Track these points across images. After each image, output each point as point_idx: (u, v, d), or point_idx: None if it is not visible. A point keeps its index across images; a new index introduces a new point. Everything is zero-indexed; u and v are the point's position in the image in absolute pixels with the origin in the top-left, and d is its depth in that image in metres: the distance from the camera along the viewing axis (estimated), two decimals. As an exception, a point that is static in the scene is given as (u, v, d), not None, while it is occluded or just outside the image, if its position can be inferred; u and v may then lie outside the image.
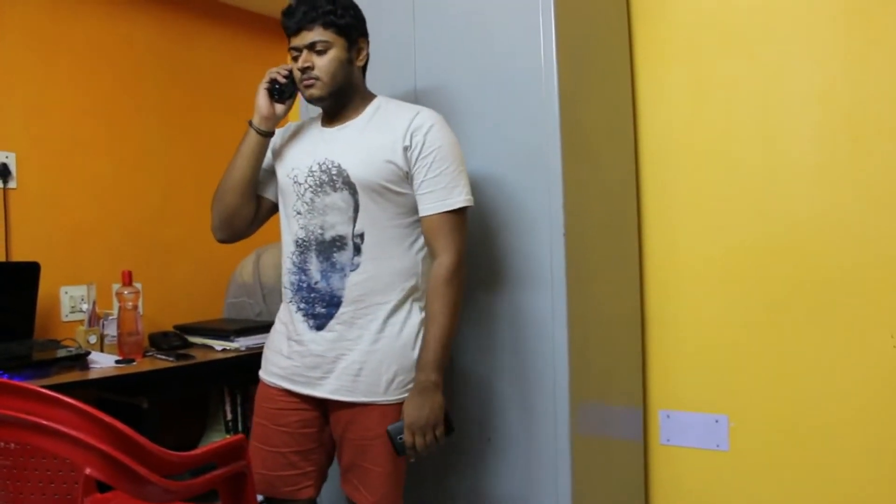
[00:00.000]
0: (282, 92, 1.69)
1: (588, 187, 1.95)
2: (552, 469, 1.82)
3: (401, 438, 1.56)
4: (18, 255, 2.36)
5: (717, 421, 2.17)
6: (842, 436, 1.99)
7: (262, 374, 1.76)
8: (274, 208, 1.78)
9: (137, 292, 2.41)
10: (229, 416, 2.64)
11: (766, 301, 2.10)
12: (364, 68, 1.70)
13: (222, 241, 1.79)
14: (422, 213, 1.62)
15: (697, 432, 2.19)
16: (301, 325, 1.65)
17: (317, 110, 1.77)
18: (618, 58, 2.21)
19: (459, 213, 1.62)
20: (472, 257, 1.92)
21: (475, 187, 1.86)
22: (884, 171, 1.95)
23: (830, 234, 2.01)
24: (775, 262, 2.08)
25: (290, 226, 1.68)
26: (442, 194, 1.60)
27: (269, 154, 1.75)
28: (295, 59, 1.63)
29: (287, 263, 1.69)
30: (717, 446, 2.17)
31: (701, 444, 2.19)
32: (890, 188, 1.94)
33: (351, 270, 1.61)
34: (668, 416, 2.24)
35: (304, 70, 1.61)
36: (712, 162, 2.17)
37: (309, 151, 1.68)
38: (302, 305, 1.65)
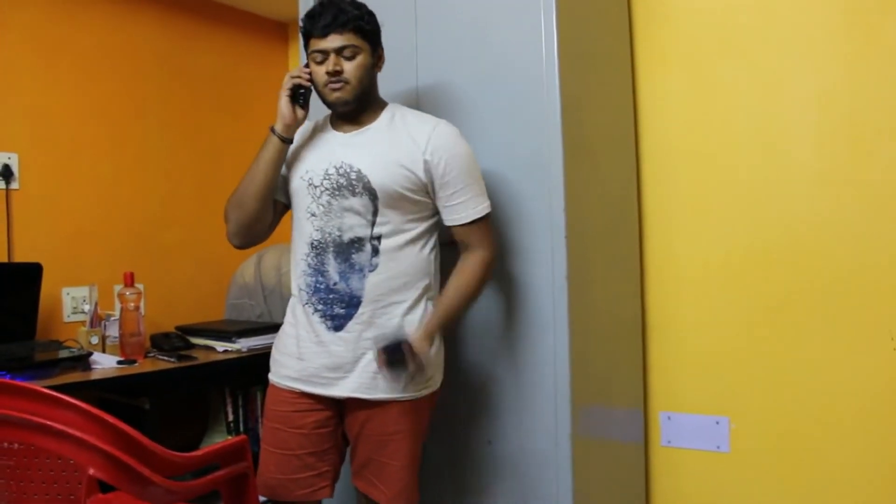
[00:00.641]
0: (305, 96, 1.69)
1: (589, 191, 1.95)
2: (553, 471, 1.83)
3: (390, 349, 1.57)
4: (20, 256, 2.36)
5: (717, 422, 2.17)
6: (842, 437, 2.00)
7: (272, 377, 1.76)
8: (286, 210, 1.79)
9: (139, 293, 2.42)
10: (231, 418, 2.64)
11: (767, 303, 2.10)
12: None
13: (240, 248, 1.79)
14: (454, 223, 1.68)
15: (698, 434, 2.19)
16: (318, 326, 1.66)
17: (319, 114, 1.78)
18: (619, 62, 2.21)
19: (486, 217, 1.70)
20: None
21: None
22: (883, 174, 1.95)
23: (830, 238, 2.01)
24: (776, 265, 2.08)
25: (304, 228, 1.69)
26: (472, 203, 1.67)
27: None
28: (319, 62, 1.63)
29: (301, 265, 1.69)
30: (718, 448, 2.17)
31: (702, 445, 2.19)
32: (889, 191, 1.94)
33: (370, 271, 1.63)
34: (669, 418, 2.25)
35: (333, 73, 1.61)
36: (713, 166, 2.18)
37: (324, 155, 1.68)
38: (319, 307, 1.66)
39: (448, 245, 1.91)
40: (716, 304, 2.18)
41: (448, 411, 1.95)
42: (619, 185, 2.18)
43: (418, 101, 1.98)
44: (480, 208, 1.67)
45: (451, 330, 1.71)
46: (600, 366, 2.00)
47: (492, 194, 1.87)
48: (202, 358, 2.39)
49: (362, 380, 1.63)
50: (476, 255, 1.67)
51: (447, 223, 1.68)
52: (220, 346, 2.48)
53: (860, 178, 1.98)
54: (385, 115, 1.70)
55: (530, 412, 1.87)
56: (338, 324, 1.64)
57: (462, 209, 1.66)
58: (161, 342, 2.48)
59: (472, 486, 1.96)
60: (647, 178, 2.27)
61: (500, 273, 1.91)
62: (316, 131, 1.76)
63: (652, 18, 2.25)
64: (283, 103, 1.67)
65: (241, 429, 2.65)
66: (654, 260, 2.26)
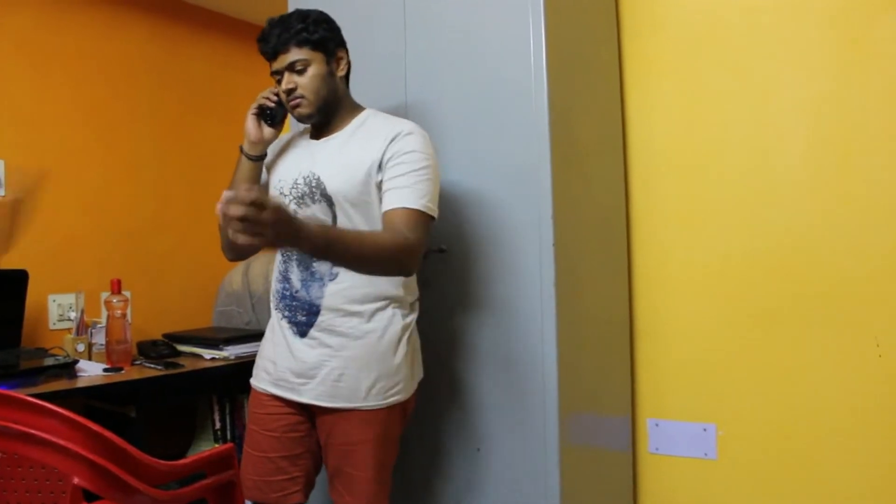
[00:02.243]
0: (273, 116, 1.71)
1: (578, 200, 1.96)
2: (541, 478, 1.83)
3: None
4: (6, 263, 2.34)
5: (705, 430, 2.18)
6: (829, 443, 2.01)
7: (252, 380, 1.79)
8: None
9: (126, 300, 2.40)
10: (218, 425, 2.62)
11: (754, 311, 2.11)
12: (347, 78, 1.71)
13: (232, 261, 1.85)
14: (385, 208, 1.57)
15: (686, 441, 2.20)
16: (287, 331, 1.69)
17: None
18: (608, 72, 2.22)
19: (423, 215, 1.56)
20: (463, 269, 1.93)
21: (466, 200, 1.87)
22: (870, 182, 1.97)
23: (817, 246, 2.03)
24: (763, 273, 2.10)
25: None
26: (407, 192, 1.55)
27: (264, 169, 1.79)
28: (278, 82, 1.65)
29: (275, 272, 1.74)
30: (706, 455, 2.18)
31: (689, 452, 2.20)
32: (876, 200, 1.96)
33: (329, 280, 1.64)
34: (657, 425, 2.25)
35: (288, 92, 1.63)
36: (701, 175, 2.19)
37: (295, 164, 1.71)
38: (286, 313, 1.69)
39: (435, 252, 1.92)
40: (703, 311, 2.19)
41: (436, 419, 1.95)
42: (608, 194, 2.19)
43: (407, 113, 1.98)
44: (418, 202, 1.54)
45: (312, 255, 1.55)
46: (588, 373, 2.00)
47: (480, 204, 1.88)
48: (189, 365, 2.38)
49: (324, 387, 1.64)
50: (396, 234, 1.51)
51: (382, 209, 1.57)
52: (208, 353, 2.47)
53: (848, 186, 1.99)
54: (355, 121, 1.69)
55: (519, 420, 1.87)
56: (302, 330, 1.66)
57: (398, 196, 1.54)
58: (148, 350, 2.47)
59: (461, 494, 1.96)
60: (635, 186, 2.28)
61: (489, 281, 1.91)
62: (294, 141, 1.78)
63: (640, 28, 2.26)
64: (249, 122, 1.72)
65: (229, 437, 2.63)
66: (642, 268, 2.27)
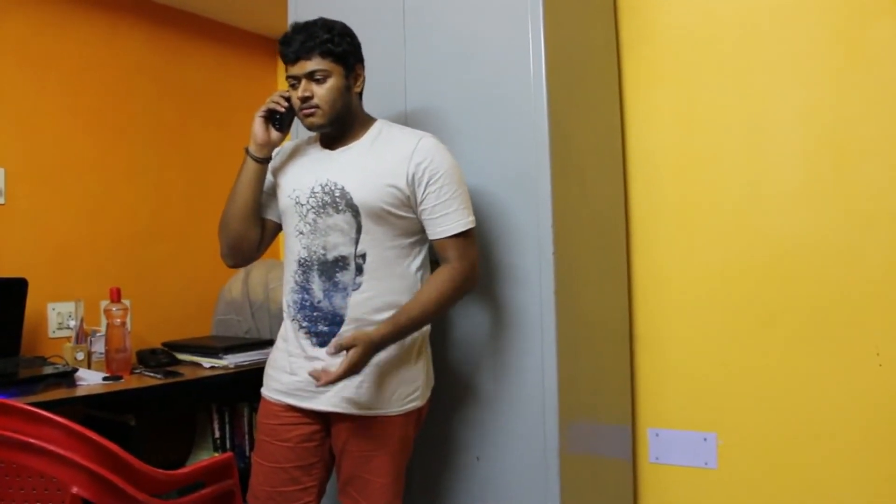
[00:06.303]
0: (281, 121, 1.71)
1: (577, 207, 1.96)
2: (541, 488, 1.82)
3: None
4: (5, 271, 2.34)
5: (705, 439, 2.17)
6: (829, 452, 2.00)
7: (264, 391, 1.77)
8: (278, 228, 1.80)
9: (126, 309, 2.40)
10: (217, 435, 2.62)
11: (754, 319, 2.11)
12: (361, 93, 1.72)
13: (233, 267, 1.83)
14: (434, 237, 1.66)
15: (686, 450, 2.20)
16: (304, 341, 1.67)
17: (307, 133, 1.78)
18: (606, 79, 2.23)
19: (468, 232, 1.67)
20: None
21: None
22: (867, 191, 1.97)
23: (816, 253, 2.03)
24: (762, 281, 2.10)
25: (293, 245, 1.70)
26: (453, 217, 1.64)
27: (269, 175, 1.77)
28: (293, 86, 1.65)
29: (290, 282, 1.71)
30: (706, 464, 2.17)
31: (689, 461, 2.19)
32: (873, 207, 1.97)
33: (353, 290, 1.64)
34: (657, 435, 2.25)
35: (303, 99, 1.63)
36: (700, 182, 2.20)
37: (310, 172, 1.70)
38: (304, 323, 1.67)
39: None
40: (703, 320, 2.19)
41: (436, 428, 1.94)
42: (607, 202, 2.19)
43: (407, 121, 1.98)
44: (464, 222, 1.65)
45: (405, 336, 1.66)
46: (588, 382, 2.00)
47: (479, 211, 1.88)
48: (189, 374, 2.37)
49: (344, 394, 1.64)
50: (448, 269, 1.65)
51: (430, 237, 1.67)
52: (207, 362, 2.47)
53: (844, 195, 2.00)
54: (371, 132, 1.70)
55: (518, 428, 1.87)
56: (322, 340, 1.65)
57: (444, 222, 1.64)
58: (147, 358, 2.47)
59: (461, 503, 1.96)
60: (634, 194, 2.28)
61: (488, 290, 1.91)
62: (304, 149, 1.77)
63: (639, 36, 2.27)
64: (256, 124, 1.70)
65: (228, 446, 2.63)
66: (641, 276, 2.27)
